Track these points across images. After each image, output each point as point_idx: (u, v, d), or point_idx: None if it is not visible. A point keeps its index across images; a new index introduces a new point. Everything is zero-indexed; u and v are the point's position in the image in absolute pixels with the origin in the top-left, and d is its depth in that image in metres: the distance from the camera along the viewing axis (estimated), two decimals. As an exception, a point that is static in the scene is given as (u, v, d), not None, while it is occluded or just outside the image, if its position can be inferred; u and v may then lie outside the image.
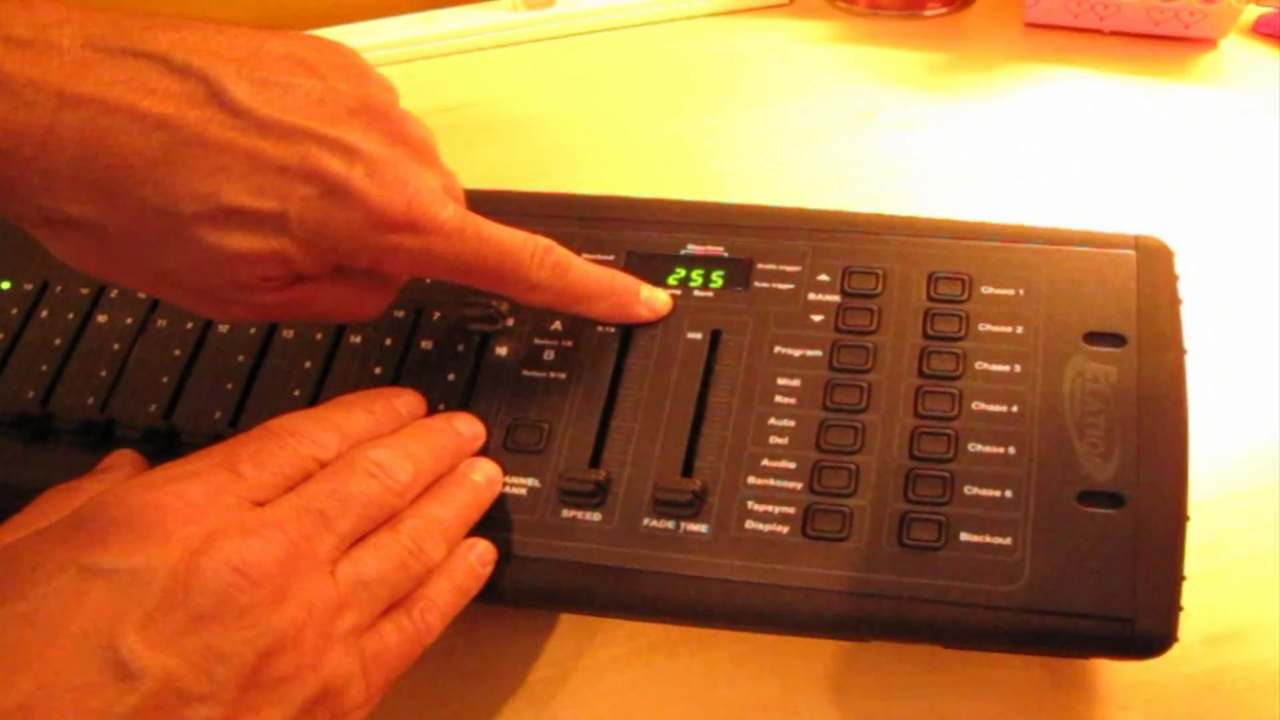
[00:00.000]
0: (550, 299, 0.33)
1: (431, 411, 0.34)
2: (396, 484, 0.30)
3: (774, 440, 0.33)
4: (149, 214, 0.27)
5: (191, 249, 0.27)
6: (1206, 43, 0.59)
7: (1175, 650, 0.29)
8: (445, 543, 0.30)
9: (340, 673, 0.27)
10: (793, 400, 0.33)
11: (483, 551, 0.31)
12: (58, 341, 0.38)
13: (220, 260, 0.28)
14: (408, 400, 0.34)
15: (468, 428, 0.33)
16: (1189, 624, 0.29)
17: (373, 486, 0.29)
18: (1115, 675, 0.33)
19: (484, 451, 0.34)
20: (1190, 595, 0.29)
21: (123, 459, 0.33)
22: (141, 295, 0.39)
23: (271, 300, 0.30)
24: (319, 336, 0.37)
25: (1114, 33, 0.59)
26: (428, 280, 0.37)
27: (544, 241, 0.33)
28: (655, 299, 0.36)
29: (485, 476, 0.33)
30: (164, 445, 0.35)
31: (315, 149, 0.27)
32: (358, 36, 0.63)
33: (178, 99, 0.26)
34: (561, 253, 0.33)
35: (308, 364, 0.36)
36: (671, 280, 0.36)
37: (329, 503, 0.28)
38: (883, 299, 0.35)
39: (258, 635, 0.25)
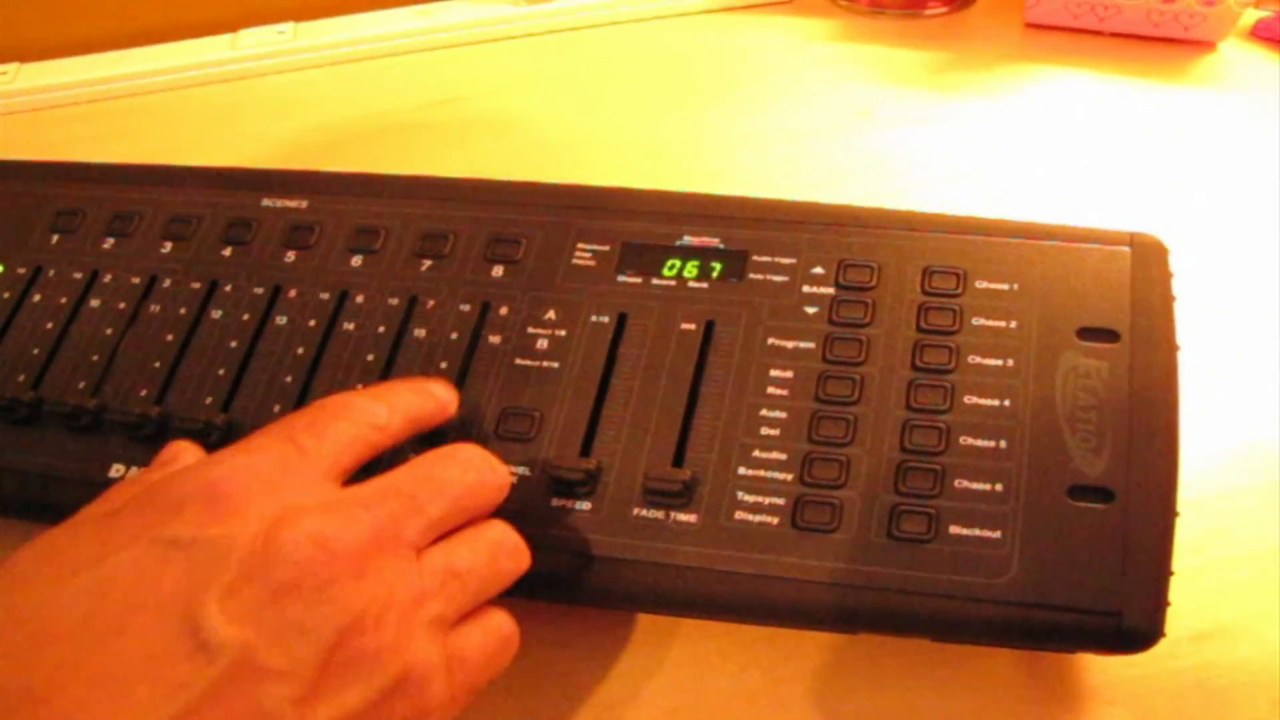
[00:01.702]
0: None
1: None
2: (497, 478, 0.29)
3: (765, 431, 0.33)
4: None
5: None
6: (1205, 45, 0.59)
7: (1162, 646, 0.29)
8: (522, 560, 0.29)
9: (422, 662, 0.25)
10: (785, 392, 0.33)
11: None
12: (50, 326, 0.38)
13: None
14: (442, 386, 0.32)
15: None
16: (1176, 620, 0.29)
17: (470, 476, 0.28)
18: (1101, 670, 0.33)
19: (476, 437, 0.33)
20: (1178, 591, 0.29)
21: (184, 450, 0.30)
22: (135, 280, 0.39)
23: None
24: (312, 324, 0.37)
25: (1113, 34, 0.60)
26: (423, 268, 0.37)
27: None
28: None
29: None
30: (154, 431, 0.35)
31: None
32: (354, 29, 0.63)
33: None
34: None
35: (300, 350, 0.36)
36: (666, 271, 0.36)
37: (422, 486, 0.27)
38: (877, 292, 0.35)
39: (338, 611, 0.24)
